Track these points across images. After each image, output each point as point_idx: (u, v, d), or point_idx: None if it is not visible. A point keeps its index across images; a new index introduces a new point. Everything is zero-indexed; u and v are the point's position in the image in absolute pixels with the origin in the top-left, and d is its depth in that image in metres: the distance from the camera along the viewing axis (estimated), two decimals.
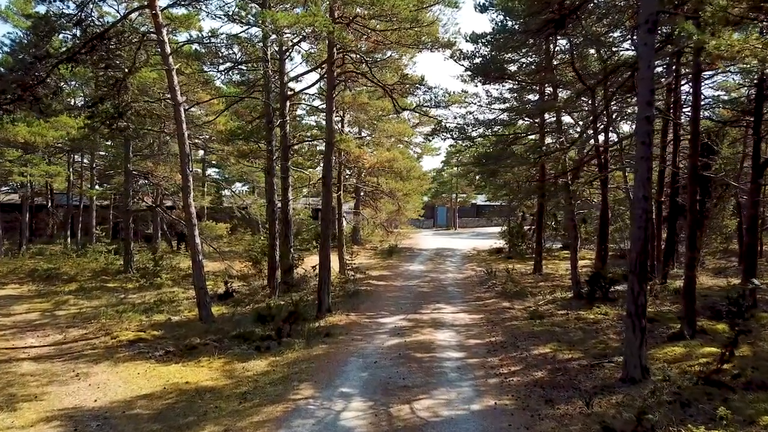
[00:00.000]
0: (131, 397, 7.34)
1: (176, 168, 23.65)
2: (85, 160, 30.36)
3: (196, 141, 22.48)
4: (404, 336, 10.36)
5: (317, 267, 12.69)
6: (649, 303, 12.93)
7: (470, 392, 7.24)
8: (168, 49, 11.05)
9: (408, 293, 15.79)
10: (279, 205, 16.08)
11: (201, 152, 33.24)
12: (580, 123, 25.05)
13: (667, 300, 13.10)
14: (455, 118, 14.37)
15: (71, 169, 28.56)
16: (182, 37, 14.97)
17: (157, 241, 26.98)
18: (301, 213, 31.05)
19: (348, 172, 25.60)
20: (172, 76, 10.98)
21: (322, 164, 13.12)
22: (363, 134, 27.08)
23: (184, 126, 11.26)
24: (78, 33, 10.74)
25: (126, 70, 11.79)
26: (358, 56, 12.59)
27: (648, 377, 7.19)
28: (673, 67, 13.88)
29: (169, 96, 13.94)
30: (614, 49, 15.21)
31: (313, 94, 20.56)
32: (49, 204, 29.63)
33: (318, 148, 24.03)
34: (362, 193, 28.83)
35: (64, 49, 10.37)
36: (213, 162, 37.81)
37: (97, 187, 29.38)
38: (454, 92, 13.55)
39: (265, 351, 9.58)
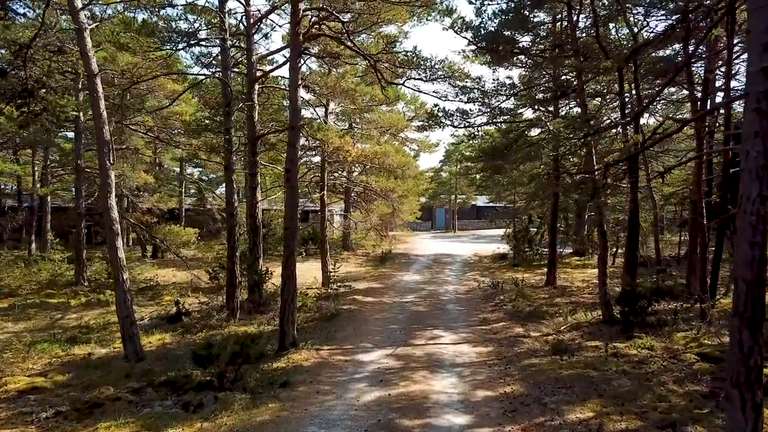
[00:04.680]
0: None
1: (139, 165, 21.04)
2: (53, 156, 27.61)
3: (161, 135, 19.81)
4: (389, 385, 7.68)
5: (284, 283, 9.95)
6: (701, 330, 10.35)
7: None
8: (79, 3, 8.37)
9: (399, 313, 13.12)
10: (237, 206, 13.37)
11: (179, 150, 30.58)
12: (593, 113, 22.51)
13: (719, 324, 10.44)
14: (456, 96, 11.78)
15: (36, 168, 25.81)
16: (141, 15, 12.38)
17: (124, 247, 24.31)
18: None
19: (336, 173, 23.06)
20: (83, 37, 8.30)
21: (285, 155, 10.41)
22: (354, 129, 24.44)
23: (102, 104, 8.58)
24: None
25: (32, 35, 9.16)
26: (333, 19, 9.92)
27: None
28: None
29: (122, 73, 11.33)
30: (648, 20, 12.69)
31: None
32: (6, 206, 26.97)
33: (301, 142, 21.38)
34: (353, 194, 26.25)
35: None
36: (196, 161, 35.07)
37: (74, 186, 26.63)
38: (453, 62, 10.83)
39: (195, 410, 6.91)
